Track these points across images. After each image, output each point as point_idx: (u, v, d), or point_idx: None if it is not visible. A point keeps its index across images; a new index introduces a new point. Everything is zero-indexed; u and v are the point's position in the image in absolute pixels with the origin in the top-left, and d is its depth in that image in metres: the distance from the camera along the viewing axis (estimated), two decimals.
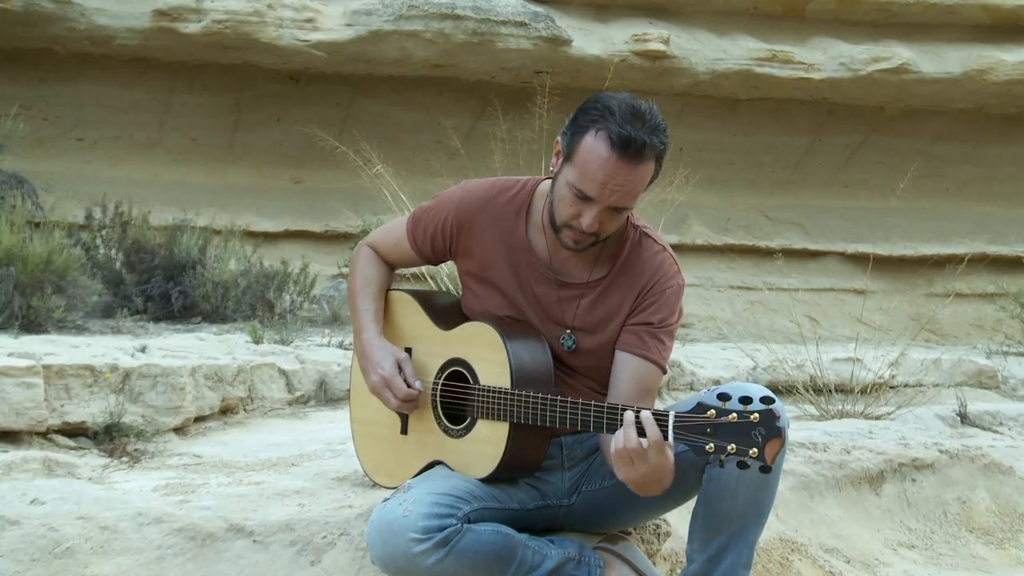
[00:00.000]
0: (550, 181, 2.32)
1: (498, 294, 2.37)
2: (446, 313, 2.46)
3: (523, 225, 2.36)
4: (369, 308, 2.46)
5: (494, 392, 2.24)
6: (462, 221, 2.38)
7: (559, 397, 2.15)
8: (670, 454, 1.99)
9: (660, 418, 1.97)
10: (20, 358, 3.58)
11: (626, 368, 2.29)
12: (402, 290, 2.56)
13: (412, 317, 2.48)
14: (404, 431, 2.44)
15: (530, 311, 2.35)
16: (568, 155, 2.19)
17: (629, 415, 2.01)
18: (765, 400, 1.91)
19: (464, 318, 2.42)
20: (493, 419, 2.24)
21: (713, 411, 1.91)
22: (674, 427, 1.95)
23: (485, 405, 2.25)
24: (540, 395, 2.17)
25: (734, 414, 1.90)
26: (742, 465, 1.89)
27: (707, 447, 1.91)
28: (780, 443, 1.88)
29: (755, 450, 1.87)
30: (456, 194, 2.42)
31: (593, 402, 2.11)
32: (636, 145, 2.11)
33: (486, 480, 2.26)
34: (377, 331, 2.43)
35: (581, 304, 2.33)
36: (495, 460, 2.24)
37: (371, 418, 2.51)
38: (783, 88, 9.92)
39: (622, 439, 2.00)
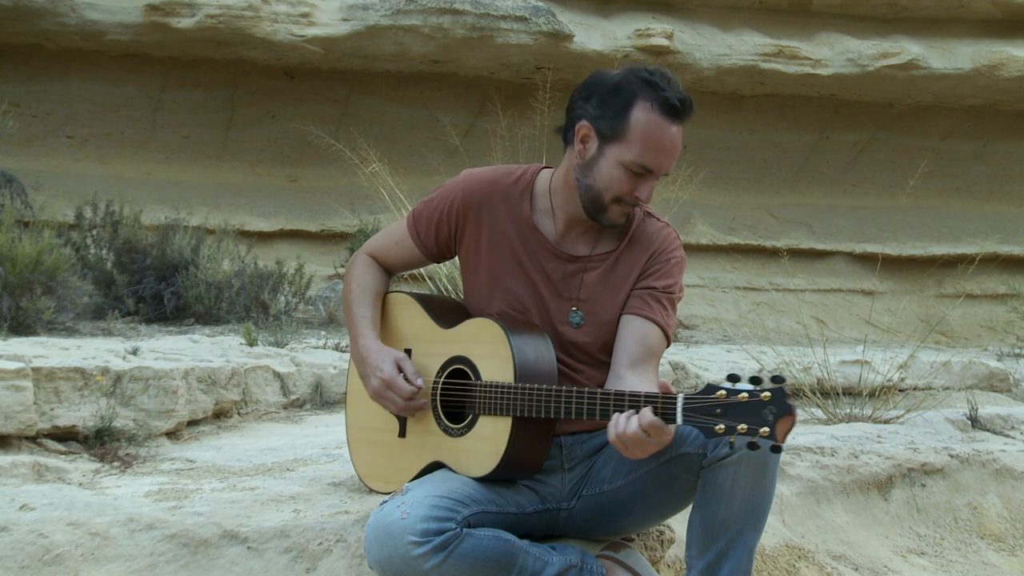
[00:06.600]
0: (549, 170, 2.42)
1: (508, 264, 2.39)
2: (447, 312, 2.45)
3: (528, 206, 2.40)
4: (366, 314, 2.46)
5: (496, 387, 2.22)
6: (469, 203, 2.41)
7: (563, 388, 2.15)
8: (670, 431, 2.01)
9: (668, 401, 1.98)
10: (9, 360, 3.54)
11: (630, 329, 2.33)
12: (401, 292, 2.55)
13: (412, 318, 2.47)
14: (402, 434, 2.41)
15: (540, 284, 2.38)
16: (613, 135, 2.23)
17: (626, 414, 2.01)
18: (776, 379, 1.91)
19: (465, 316, 2.40)
20: (495, 415, 2.22)
21: (723, 392, 1.92)
22: (683, 410, 1.96)
23: (487, 401, 2.24)
24: (543, 387, 2.16)
25: (744, 394, 1.90)
26: (753, 446, 1.90)
27: (716, 428, 1.91)
28: (791, 421, 1.89)
29: (766, 428, 1.88)
30: (460, 180, 2.46)
31: (599, 390, 2.10)
32: (687, 105, 2.20)
33: (487, 478, 2.23)
34: (374, 335, 2.43)
35: (590, 276, 2.38)
36: (496, 457, 2.21)
37: (368, 424, 2.49)
38: (789, 84, 9.87)
39: (614, 429, 2.02)
